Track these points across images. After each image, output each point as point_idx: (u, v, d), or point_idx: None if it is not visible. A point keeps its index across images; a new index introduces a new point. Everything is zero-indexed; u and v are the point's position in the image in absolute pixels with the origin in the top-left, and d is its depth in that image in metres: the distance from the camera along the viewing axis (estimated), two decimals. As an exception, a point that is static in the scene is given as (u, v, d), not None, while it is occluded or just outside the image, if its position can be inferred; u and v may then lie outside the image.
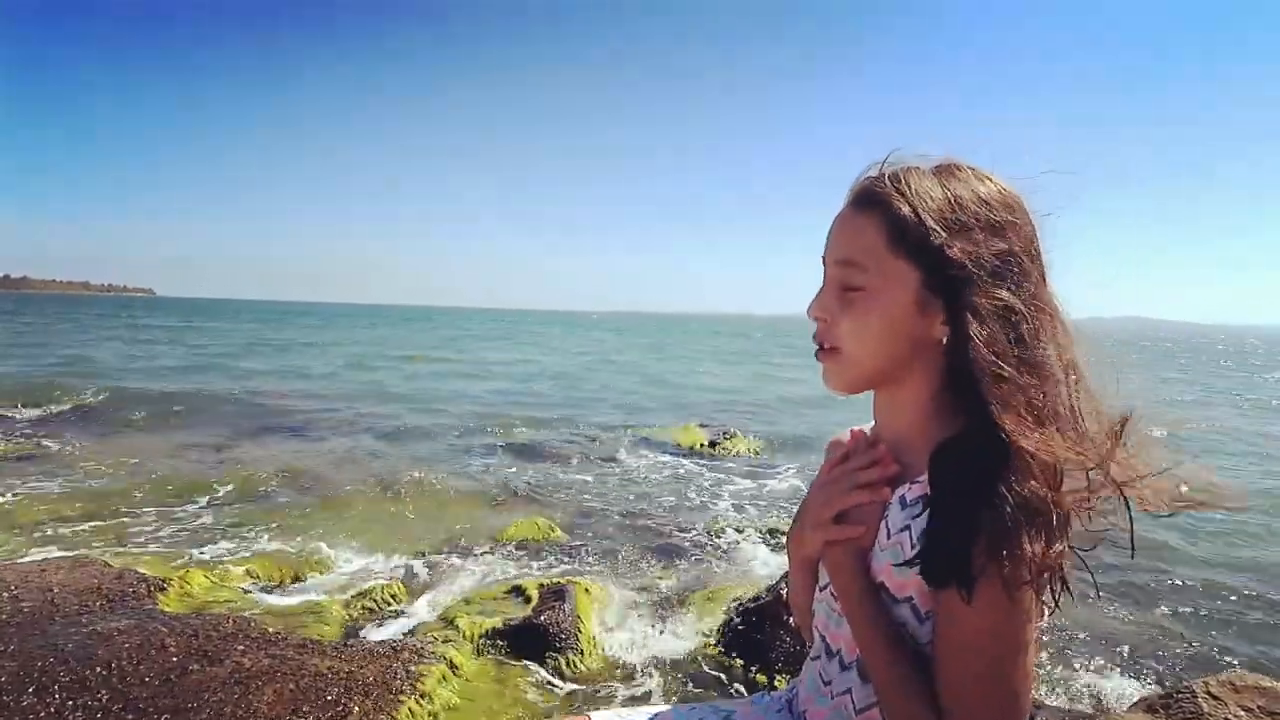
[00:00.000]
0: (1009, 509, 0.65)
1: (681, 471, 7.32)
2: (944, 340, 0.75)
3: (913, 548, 0.73)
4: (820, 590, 0.90)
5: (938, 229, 0.73)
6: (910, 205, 0.75)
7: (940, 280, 0.74)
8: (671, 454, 8.16)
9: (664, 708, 1.05)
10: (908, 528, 0.75)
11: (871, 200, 0.78)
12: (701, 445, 8.57)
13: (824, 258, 0.82)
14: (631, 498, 6.19)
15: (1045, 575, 0.67)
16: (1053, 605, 0.72)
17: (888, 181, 0.77)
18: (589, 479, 6.85)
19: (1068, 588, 0.72)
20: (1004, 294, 0.72)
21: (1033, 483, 0.66)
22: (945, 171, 0.78)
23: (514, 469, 7.13)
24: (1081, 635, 3.50)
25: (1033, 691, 0.72)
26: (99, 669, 2.55)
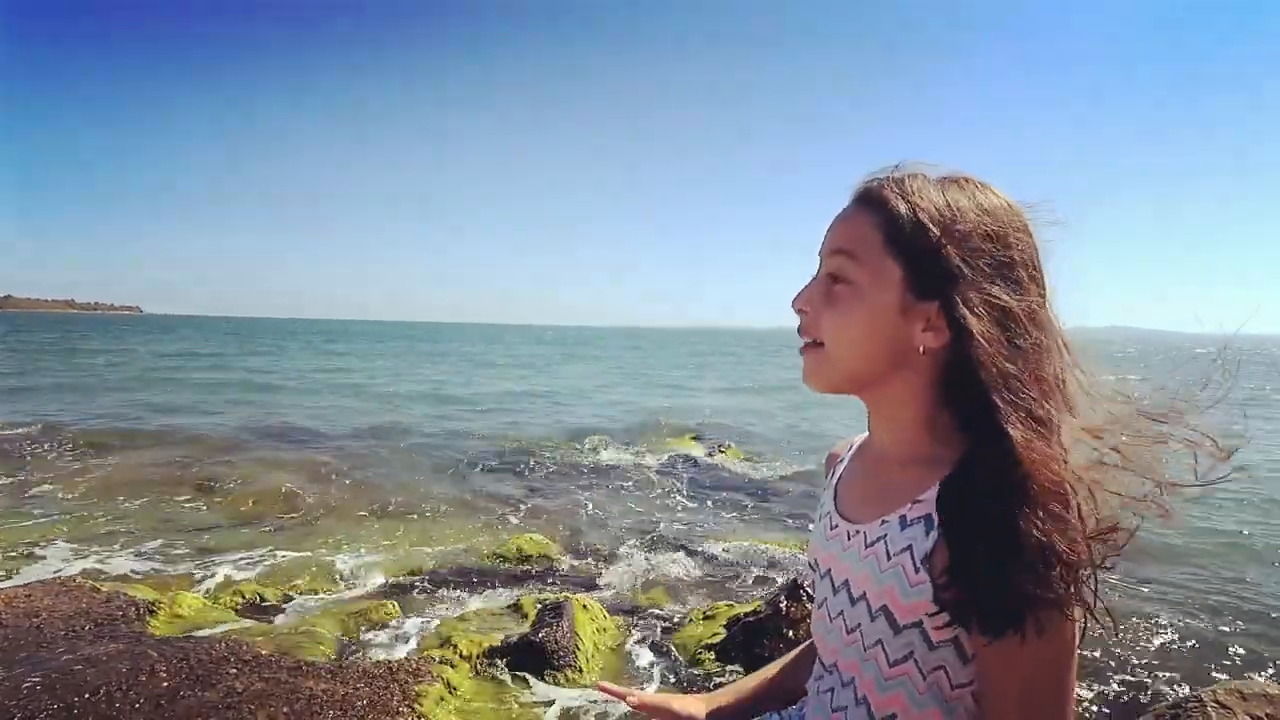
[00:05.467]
0: (1039, 539, 0.64)
1: (678, 486, 7.28)
2: (923, 349, 0.73)
3: (915, 570, 0.72)
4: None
5: (933, 228, 0.73)
6: (909, 203, 0.75)
7: (927, 282, 0.73)
8: (668, 468, 8.13)
9: None
10: (909, 548, 0.73)
11: (871, 198, 0.78)
12: (697, 458, 8.55)
13: (819, 253, 0.82)
14: (628, 512, 6.15)
15: (1086, 585, 0.67)
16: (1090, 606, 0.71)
17: (890, 182, 0.78)
18: (585, 495, 6.80)
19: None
20: (1001, 295, 0.71)
21: (1053, 503, 0.65)
22: (950, 181, 0.78)
23: (509, 485, 7.08)
24: (1085, 649, 3.47)
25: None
26: (88, 695, 2.49)
